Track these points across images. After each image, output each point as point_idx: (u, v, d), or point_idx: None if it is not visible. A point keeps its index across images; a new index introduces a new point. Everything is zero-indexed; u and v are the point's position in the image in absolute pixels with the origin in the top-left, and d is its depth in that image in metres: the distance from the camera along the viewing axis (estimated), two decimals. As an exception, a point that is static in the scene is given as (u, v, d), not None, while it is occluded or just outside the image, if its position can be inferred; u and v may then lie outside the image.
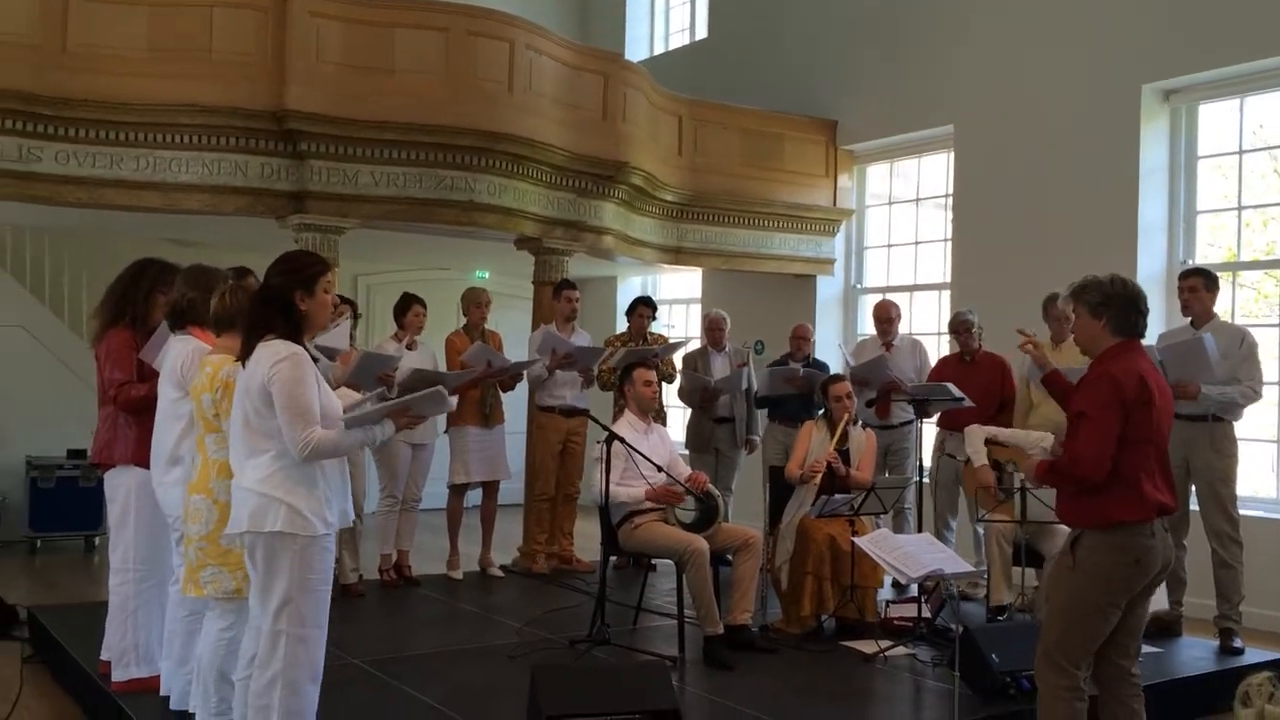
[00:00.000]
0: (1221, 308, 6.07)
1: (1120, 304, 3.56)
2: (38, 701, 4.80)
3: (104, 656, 4.55)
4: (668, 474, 5.43)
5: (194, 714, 3.73)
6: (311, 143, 6.43)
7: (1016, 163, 8.01)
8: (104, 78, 6.06)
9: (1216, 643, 5.65)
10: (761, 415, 7.60)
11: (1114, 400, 3.41)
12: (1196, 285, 5.71)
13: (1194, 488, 5.74)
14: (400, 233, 7.65)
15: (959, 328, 6.73)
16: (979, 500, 5.78)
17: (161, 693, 4.14)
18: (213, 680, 3.66)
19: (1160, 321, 7.11)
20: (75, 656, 4.88)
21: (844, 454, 5.86)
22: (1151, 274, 7.30)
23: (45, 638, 5.43)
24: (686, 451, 7.37)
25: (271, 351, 3.26)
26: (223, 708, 3.64)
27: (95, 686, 4.55)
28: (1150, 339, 5.88)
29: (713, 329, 7.67)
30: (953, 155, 8.61)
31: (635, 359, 6.24)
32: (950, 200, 8.69)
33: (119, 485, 4.46)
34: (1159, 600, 5.83)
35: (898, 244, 9.51)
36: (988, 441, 5.75)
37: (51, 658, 5.31)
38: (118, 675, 4.40)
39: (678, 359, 7.68)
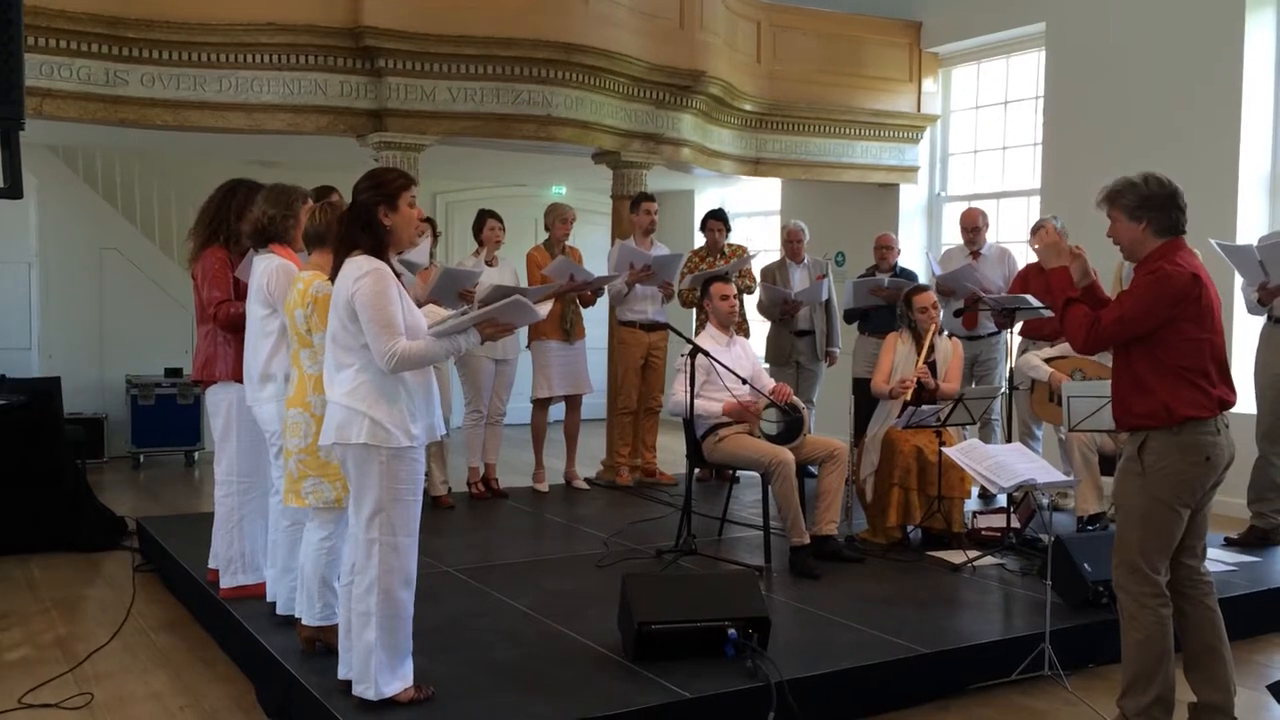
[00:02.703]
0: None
1: (1159, 203, 3.44)
2: (150, 606, 5.03)
3: (211, 565, 4.74)
4: (751, 386, 5.42)
5: (299, 618, 3.88)
6: (389, 59, 6.42)
7: (1111, 60, 7.67)
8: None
9: (1316, 553, 5.53)
10: (850, 329, 7.52)
11: (1157, 294, 3.34)
12: None
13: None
14: (478, 149, 7.64)
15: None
16: (1043, 416, 5.95)
17: (268, 599, 4.30)
18: (316, 586, 3.79)
19: (1264, 224, 6.84)
20: (184, 565, 5.08)
21: (930, 366, 5.78)
22: (1255, 175, 6.99)
23: (153, 547, 5.67)
24: (767, 365, 7.34)
25: (355, 266, 3.30)
26: (326, 612, 3.77)
27: (204, 593, 4.74)
28: (1252, 239, 5.68)
29: (791, 241, 7.56)
30: (1043, 54, 8.28)
31: (705, 278, 6.19)
32: (1040, 102, 8.38)
33: (220, 401, 4.59)
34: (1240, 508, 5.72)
35: (984, 149, 9.23)
36: (1046, 360, 5.75)
37: (160, 566, 5.54)
38: (225, 582, 4.58)
39: (756, 271, 7.61)
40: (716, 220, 7.43)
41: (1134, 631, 3.47)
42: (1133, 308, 3.38)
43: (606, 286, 7.00)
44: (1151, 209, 3.44)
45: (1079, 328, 3.50)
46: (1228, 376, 3.48)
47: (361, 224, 3.36)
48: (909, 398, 5.61)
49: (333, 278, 3.41)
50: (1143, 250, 3.49)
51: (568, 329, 6.97)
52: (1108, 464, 5.48)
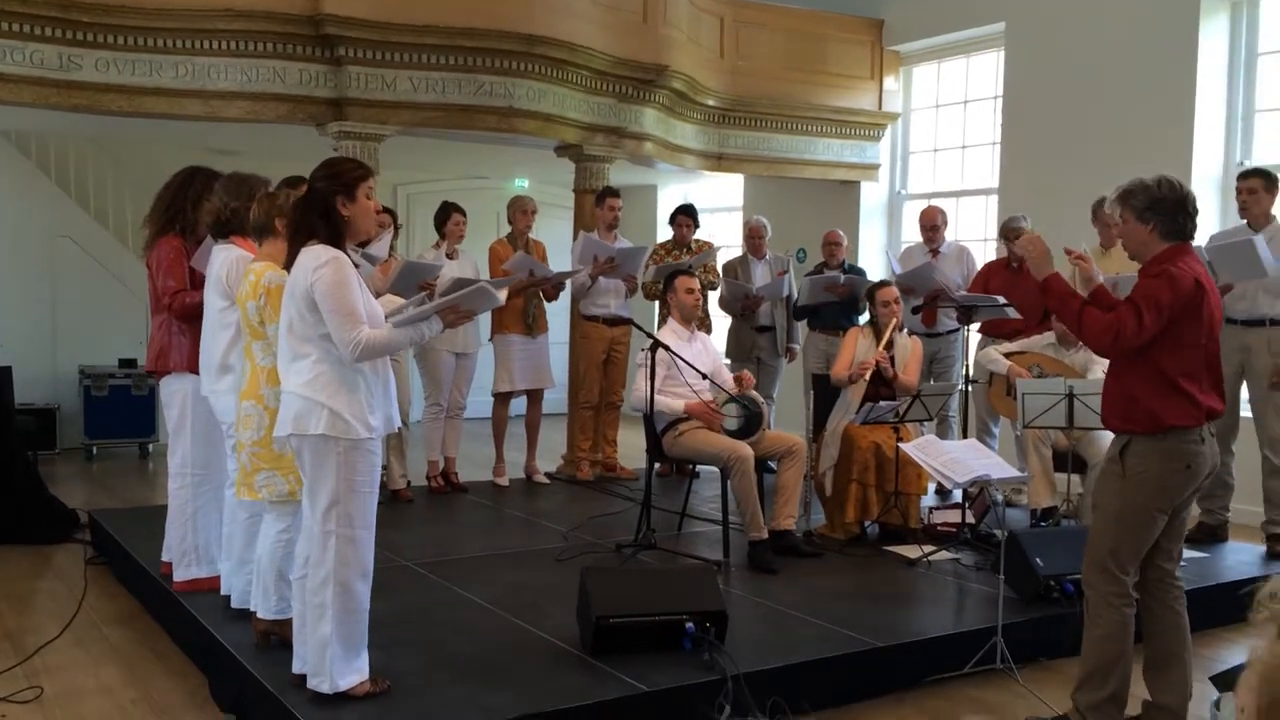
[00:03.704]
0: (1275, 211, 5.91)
1: (1168, 207, 3.43)
2: (102, 600, 4.96)
3: (165, 558, 4.69)
4: (712, 381, 5.44)
5: (254, 612, 3.85)
6: (349, 48, 6.36)
7: (1069, 61, 7.77)
8: (141, -17, 6.01)
9: (1263, 548, 5.64)
10: (801, 325, 7.56)
11: (1166, 296, 3.31)
12: (1256, 187, 5.55)
13: (1247, 393, 5.67)
14: (439, 140, 7.60)
15: (1010, 234, 6.61)
16: (1000, 410, 6.00)
17: (222, 592, 4.26)
18: (272, 580, 3.76)
19: (1215, 223, 6.95)
20: (137, 558, 5.02)
21: (890, 361, 5.83)
22: (1207, 175, 7.11)
23: (106, 540, 5.59)
24: (728, 360, 7.37)
25: (313, 256, 3.26)
26: (282, 606, 3.74)
27: (158, 586, 4.69)
28: (1202, 239, 5.77)
29: (753, 236, 7.59)
30: (1003, 54, 8.36)
31: (670, 270, 6.21)
32: (999, 102, 8.47)
33: (174, 392, 4.54)
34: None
35: (944, 148, 9.31)
36: (1004, 355, 5.83)
37: (112, 559, 5.47)
38: (179, 575, 4.53)
39: (720, 266, 7.63)
40: (686, 216, 7.44)
41: (1096, 628, 3.52)
42: (1149, 310, 3.32)
43: (570, 280, 6.99)
44: (1160, 212, 3.42)
45: (1105, 333, 3.38)
46: (1219, 385, 3.48)
47: (318, 213, 3.32)
48: (864, 389, 5.65)
49: (287, 267, 3.37)
50: (1148, 252, 3.48)
51: (530, 323, 6.95)
52: (1060, 460, 5.56)
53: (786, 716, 3.26)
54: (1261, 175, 5.60)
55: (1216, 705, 3.49)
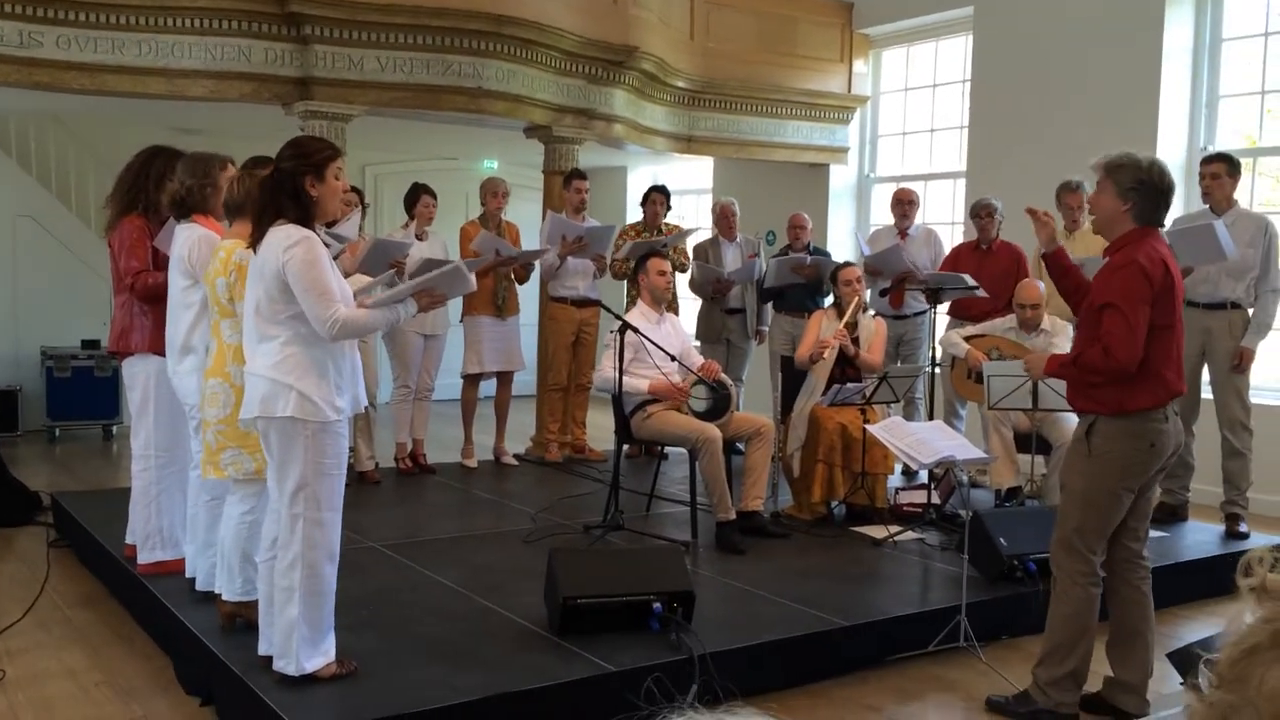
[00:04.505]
0: (1241, 195, 5.98)
1: (1150, 192, 3.43)
2: (65, 584, 4.92)
3: (129, 540, 4.65)
4: (680, 363, 5.45)
5: (219, 594, 3.83)
6: (315, 26, 6.29)
7: (1036, 46, 7.82)
8: (102, -41, 5.91)
9: (1222, 528, 5.73)
10: (768, 307, 7.59)
11: (1144, 291, 3.34)
12: (1219, 172, 5.61)
13: (1208, 374, 5.75)
14: (408, 120, 7.53)
15: (981, 212, 6.65)
16: (962, 393, 6.08)
17: (187, 574, 4.24)
18: (237, 562, 3.74)
19: (1179, 207, 7.02)
20: (100, 541, 4.97)
21: (854, 341, 5.87)
22: (1171, 160, 7.16)
23: (69, 523, 5.54)
24: (698, 343, 7.38)
25: (284, 235, 3.23)
26: (247, 588, 3.73)
27: (121, 569, 4.65)
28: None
29: (724, 217, 7.59)
30: (971, 38, 8.40)
31: (644, 250, 6.20)
32: (967, 86, 8.51)
33: (137, 373, 4.49)
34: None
35: (913, 132, 9.35)
36: (965, 339, 5.86)
37: (76, 542, 5.42)
38: (143, 558, 4.50)
39: (690, 248, 7.63)
40: (660, 194, 7.44)
41: (1062, 606, 3.57)
42: (1131, 309, 3.33)
43: (539, 261, 6.97)
44: (1141, 194, 3.42)
45: (1105, 354, 3.37)
46: (1181, 365, 3.52)
47: (287, 193, 3.29)
48: (828, 357, 5.68)
49: (253, 246, 3.34)
50: (1116, 230, 3.48)
51: (500, 304, 6.93)
52: (1024, 441, 5.62)
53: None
54: (1225, 160, 5.67)
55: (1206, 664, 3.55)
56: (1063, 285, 3.82)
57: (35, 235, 8.94)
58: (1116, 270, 3.42)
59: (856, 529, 5.49)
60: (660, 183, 7.72)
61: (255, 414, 3.28)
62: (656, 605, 3.82)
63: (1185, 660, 3.15)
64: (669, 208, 7.51)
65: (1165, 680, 3.78)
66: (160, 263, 4.36)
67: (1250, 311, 5.64)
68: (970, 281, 6.09)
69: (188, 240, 4.07)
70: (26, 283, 8.91)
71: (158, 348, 4.32)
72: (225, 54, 6.22)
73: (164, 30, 6.09)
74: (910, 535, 5.35)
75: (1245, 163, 6.54)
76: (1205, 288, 5.64)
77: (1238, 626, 1.07)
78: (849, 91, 9.24)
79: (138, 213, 4.50)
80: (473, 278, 3.62)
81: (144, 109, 7.07)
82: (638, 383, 5.40)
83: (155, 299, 4.34)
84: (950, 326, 6.61)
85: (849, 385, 5.61)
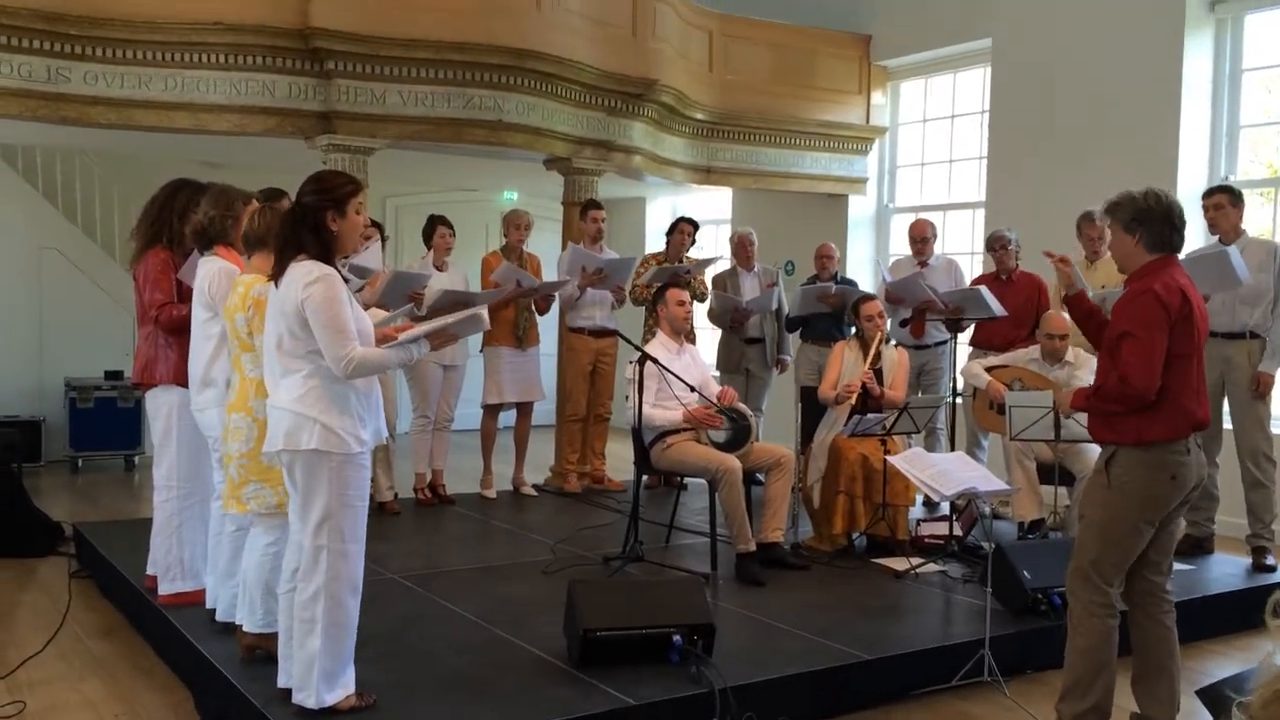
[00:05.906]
0: (1262, 225, 5.97)
1: (1154, 219, 3.44)
2: (86, 613, 4.93)
3: (150, 571, 4.66)
4: (700, 394, 5.44)
5: (239, 626, 3.83)
6: (338, 61, 6.37)
7: (1055, 76, 7.83)
8: (130, -4, 6.01)
9: (1248, 560, 5.66)
10: (793, 336, 7.58)
11: (1160, 318, 3.33)
12: (1222, 202, 5.64)
13: (1228, 405, 5.71)
14: (429, 153, 7.61)
15: (996, 244, 6.64)
16: (983, 424, 6.04)
17: (207, 605, 4.24)
18: (259, 595, 3.74)
19: (1198, 239, 7.00)
20: (121, 571, 4.99)
21: (877, 373, 5.85)
22: (1193, 191, 7.14)
23: (90, 553, 5.56)
24: (717, 373, 7.37)
25: (304, 272, 3.25)
26: (268, 619, 3.72)
27: (142, 600, 4.66)
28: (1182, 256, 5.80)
29: (741, 247, 7.60)
30: (989, 70, 8.42)
31: (667, 276, 6.21)
32: (986, 117, 8.52)
33: (160, 405, 4.52)
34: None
35: (931, 162, 9.36)
36: (987, 369, 5.82)
37: (97, 572, 5.44)
38: (164, 589, 4.51)
39: (709, 279, 7.65)
40: (688, 225, 7.46)
41: (1079, 638, 3.52)
42: (1148, 336, 3.32)
43: (559, 292, 6.99)
44: (1145, 223, 3.44)
45: (1122, 384, 3.37)
46: (1204, 396, 3.50)
47: (308, 227, 3.32)
48: (854, 402, 5.67)
49: (275, 280, 3.36)
50: (1134, 263, 3.50)
51: (520, 335, 6.95)
52: (1047, 472, 5.58)
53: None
54: (1226, 191, 5.71)
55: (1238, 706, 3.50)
56: (1086, 327, 3.89)
57: (60, 267, 9.04)
58: (1133, 299, 3.42)
59: (878, 561, 5.45)
60: (687, 214, 7.75)
61: (279, 447, 3.29)
62: (677, 638, 3.79)
63: (1216, 699, 3.10)
64: (694, 241, 7.53)
65: (1193, 717, 3.72)
66: (185, 295, 4.40)
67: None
68: (991, 301, 6.07)
69: (208, 273, 4.11)
70: (51, 314, 9.01)
71: (181, 379, 4.35)
72: (249, 89, 6.31)
73: (189, 66, 6.18)
74: (932, 567, 5.31)
75: (1267, 192, 6.53)
76: (1223, 317, 5.61)
77: (1268, 667, 1.06)
78: (867, 123, 9.27)
79: (162, 245, 4.55)
80: (487, 320, 3.64)
81: (168, 142, 7.16)
82: (670, 414, 5.38)
83: (179, 331, 4.38)
84: (972, 357, 6.59)
85: (869, 416, 5.58)
